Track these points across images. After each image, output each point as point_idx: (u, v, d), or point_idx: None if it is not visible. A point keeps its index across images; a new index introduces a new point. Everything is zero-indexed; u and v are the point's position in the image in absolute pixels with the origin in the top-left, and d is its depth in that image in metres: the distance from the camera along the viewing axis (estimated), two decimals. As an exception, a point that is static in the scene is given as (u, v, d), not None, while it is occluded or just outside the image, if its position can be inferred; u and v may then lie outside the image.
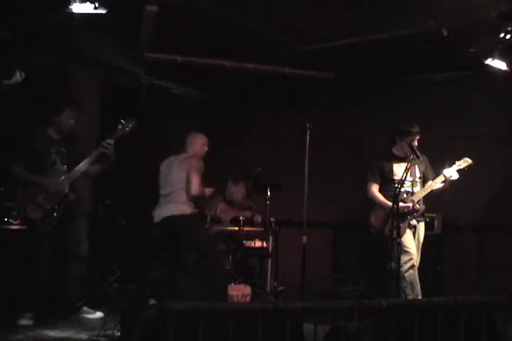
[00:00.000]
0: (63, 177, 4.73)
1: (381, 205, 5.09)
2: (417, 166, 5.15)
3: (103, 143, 4.82)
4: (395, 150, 5.23)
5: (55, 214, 4.66)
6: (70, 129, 4.89)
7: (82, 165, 4.79)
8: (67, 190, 4.72)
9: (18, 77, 4.66)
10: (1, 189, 5.35)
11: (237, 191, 6.69)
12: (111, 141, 4.83)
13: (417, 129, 5.08)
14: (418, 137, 5.09)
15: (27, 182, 4.72)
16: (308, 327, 3.38)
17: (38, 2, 4.86)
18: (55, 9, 4.76)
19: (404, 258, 4.72)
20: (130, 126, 4.91)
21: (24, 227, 4.91)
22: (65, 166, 4.79)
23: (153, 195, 7.49)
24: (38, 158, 4.74)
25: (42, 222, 4.63)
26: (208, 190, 5.46)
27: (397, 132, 5.17)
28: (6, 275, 5.01)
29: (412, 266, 4.94)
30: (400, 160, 5.14)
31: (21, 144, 4.81)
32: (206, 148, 5.46)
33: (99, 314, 4.86)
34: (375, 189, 5.22)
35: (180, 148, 5.50)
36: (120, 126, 4.89)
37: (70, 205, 4.76)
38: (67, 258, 4.85)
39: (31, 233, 4.71)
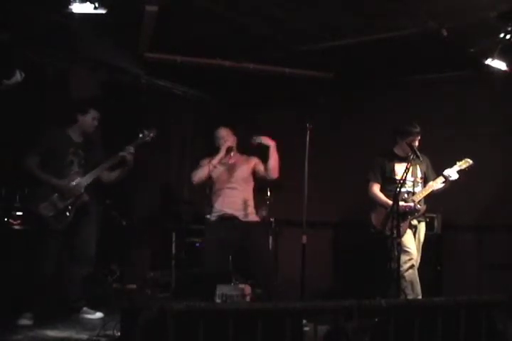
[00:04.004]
0: (78, 178, 4.74)
1: (382, 204, 5.07)
2: (418, 166, 5.15)
3: (124, 150, 4.84)
4: (396, 150, 5.23)
5: (67, 213, 4.67)
6: (92, 130, 4.92)
7: (98, 170, 4.82)
8: (80, 192, 4.73)
9: (18, 77, 4.66)
10: (2, 190, 5.36)
11: None
12: (131, 149, 4.85)
13: (417, 129, 5.08)
14: (419, 137, 5.09)
15: (38, 180, 4.71)
16: (308, 327, 3.38)
17: (38, 2, 4.86)
18: (55, 9, 4.76)
19: (403, 258, 4.72)
20: (151, 135, 4.92)
21: (29, 227, 4.92)
22: (82, 169, 4.80)
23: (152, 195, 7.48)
24: (55, 157, 4.75)
25: (54, 221, 4.64)
26: None
27: (397, 132, 5.17)
28: (6, 275, 5.01)
29: (412, 266, 4.94)
30: (402, 159, 5.13)
31: (39, 140, 4.82)
32: None
33: (99, 314, 4.87)
34: (376, 188, 5.21)
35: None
36: (141, 135, 4.90)
37: (83, 206, 4.77)
38: (74, 259, 4.84)
39: (41, 232, 4.70)
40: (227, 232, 4.98)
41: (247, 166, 5.21)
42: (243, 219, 5.06)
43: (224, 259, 5.42)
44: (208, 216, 5.16)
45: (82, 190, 4.74)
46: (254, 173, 5.21)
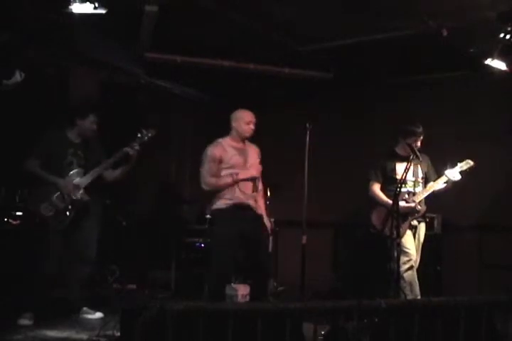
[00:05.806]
0: (78, 179, 4.75)
1: (383, 204, 5.05)
2: (419, 166, 5.13)
3: (129, 146, 4.82)
4: (398, 150, 5.21)
5: (67, 213, 4.67)
6: (91, 134, 4.92)
7: (101, 167, 4.81)
8: (80, 192, 4.73)
9: (17, 77, 4.67)
10: (2, 190, 5.37)
11: None
12: (137, 145, 4.83)
13: (420, 129, 5.05)
14: (421, 137, 5.08)
15: (40, 179, 4.71)
16: (308, 327, 3.38)
17: (38, 2, 4.87)
18: (55, 9, 4.77)
19: (403, 258, 4.71)
20: (150, 135, 4.91)
21: (28, 227, 4.92)
22: (82, 169, 4.80)
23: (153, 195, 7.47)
24: (54, 158, 4.75)
25: (54, 220, 4.64)
26: None
27: (400, 132, 5.15)
28: (6, 275, 5.01)
29: (411, 267, 4.93)
30: (403, 159, 5.10)
31: (38, 142, 4.82)
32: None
33: (99, 314, 4.86)
34: (376, 188, 5.19)
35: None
36: (139, 135, 4.89)
37: (83, 206, 4.77)
38: (75, 259, 4.85)
39: (42, 231, 4.70)
40: (239, 223, 4.63)
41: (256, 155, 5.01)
42: (255, 211, 4.75)
43: (232, 257, 4.82)
44: (215, 205, 4.78)
45: (82, 190, 4.75)
46: None
